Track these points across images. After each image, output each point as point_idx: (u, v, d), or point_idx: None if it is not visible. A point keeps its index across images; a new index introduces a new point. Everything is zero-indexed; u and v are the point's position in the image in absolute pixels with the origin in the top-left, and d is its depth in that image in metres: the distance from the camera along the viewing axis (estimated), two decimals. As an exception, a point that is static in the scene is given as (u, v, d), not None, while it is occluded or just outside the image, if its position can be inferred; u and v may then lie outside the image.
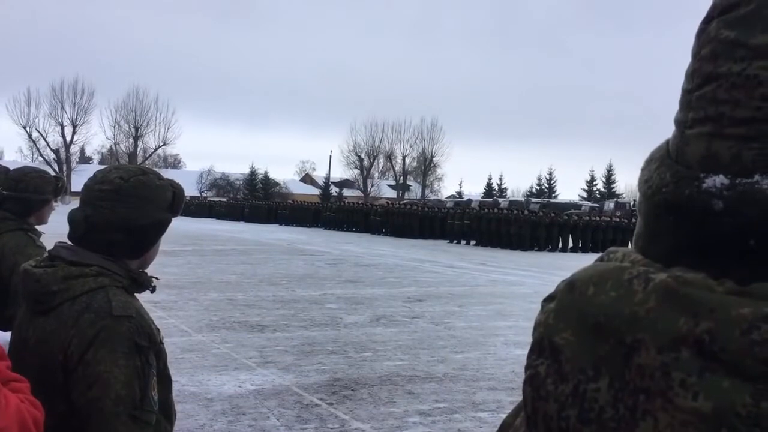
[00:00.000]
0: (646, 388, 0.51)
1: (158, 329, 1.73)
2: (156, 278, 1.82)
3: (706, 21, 0.56)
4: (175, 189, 1.83)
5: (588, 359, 0.55)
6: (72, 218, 1.73)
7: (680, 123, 0.57)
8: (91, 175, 1.82)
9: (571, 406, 0.55)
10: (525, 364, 0.60)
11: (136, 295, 1.76)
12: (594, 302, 0.55)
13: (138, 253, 1.77)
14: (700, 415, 0.47)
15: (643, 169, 0.60)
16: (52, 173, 3.45)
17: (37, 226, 3.18)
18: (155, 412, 1.63)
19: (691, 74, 0.56)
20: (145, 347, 1.62)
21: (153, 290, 1.81)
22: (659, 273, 0.53)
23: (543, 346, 0.58)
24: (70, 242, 1.74)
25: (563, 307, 0.58)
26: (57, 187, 3.22)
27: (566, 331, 0.57)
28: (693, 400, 0.48)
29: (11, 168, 3.27)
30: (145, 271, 1.81)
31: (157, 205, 1.76)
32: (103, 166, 1.91)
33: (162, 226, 1.78)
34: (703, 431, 0.47)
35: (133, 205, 1.72)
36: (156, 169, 2.06)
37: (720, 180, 0.52)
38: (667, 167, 0.56)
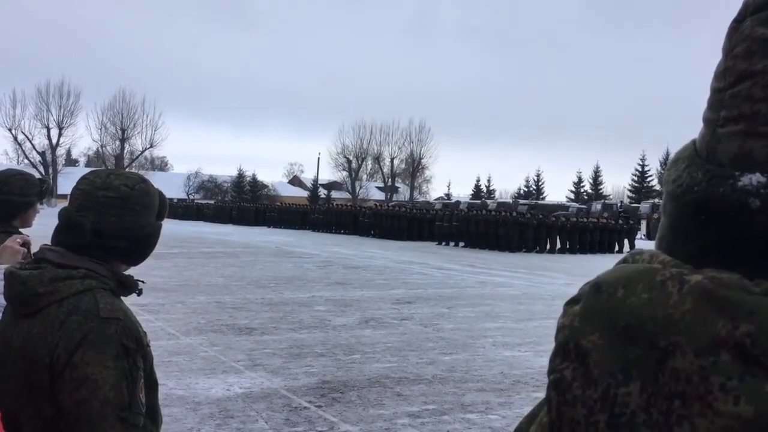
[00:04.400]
0: (681, 393, 0.49)
1: (145, 332, 1.72)
2: (142, 281, 1.82)
3: (739, 20, 0.55)
4: (161, 195, 1.86)
5: (617, 363, 0.53)
6: (74, 223, 1.70)
7: (711, 122, 0.56)
8: (81, 177, 1.80)
9: (600, 411, 0.54)
10: (548, 369, 0.58)
11: (123, 298, 1.75)
12: (625, 304, 0.54)
13: (137, 261, 1.79)
14: (741, 419, 0.46)
15: (668, 169, 0.59)
16: (38, 176, 3.43)
17: (21, 230, 3.15)
18: (143, 414, 1.62)
19: (723, 72, 0.56)
20: (133, 349, 1.62)
21: (140, 293, 1.81)
22: (693, 274, 0.52)
23: (568, 350, 0.57)
24: (54, 245, 1.72)
25: (590, 310, 0.56)
26: (42, 189, 3.19)
27: (593, 334, 0.55)
28: (734, 405, 0.47)
29: (-5, 171, 3.24)
30: (131, 274, 1.81)
31: (153, 213, 1.78)
32: (89, 169, 1.91)
33: (159, 234, 1.81)
34: None
35: (137, 214, 1.73)
36: (143, 172, 2.07)
37: (756, 178, 0.51)
38: (697, 166, 0.55)
